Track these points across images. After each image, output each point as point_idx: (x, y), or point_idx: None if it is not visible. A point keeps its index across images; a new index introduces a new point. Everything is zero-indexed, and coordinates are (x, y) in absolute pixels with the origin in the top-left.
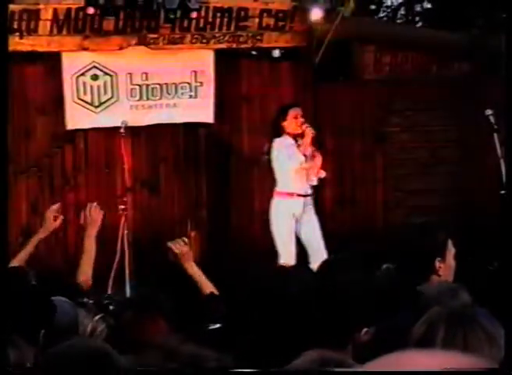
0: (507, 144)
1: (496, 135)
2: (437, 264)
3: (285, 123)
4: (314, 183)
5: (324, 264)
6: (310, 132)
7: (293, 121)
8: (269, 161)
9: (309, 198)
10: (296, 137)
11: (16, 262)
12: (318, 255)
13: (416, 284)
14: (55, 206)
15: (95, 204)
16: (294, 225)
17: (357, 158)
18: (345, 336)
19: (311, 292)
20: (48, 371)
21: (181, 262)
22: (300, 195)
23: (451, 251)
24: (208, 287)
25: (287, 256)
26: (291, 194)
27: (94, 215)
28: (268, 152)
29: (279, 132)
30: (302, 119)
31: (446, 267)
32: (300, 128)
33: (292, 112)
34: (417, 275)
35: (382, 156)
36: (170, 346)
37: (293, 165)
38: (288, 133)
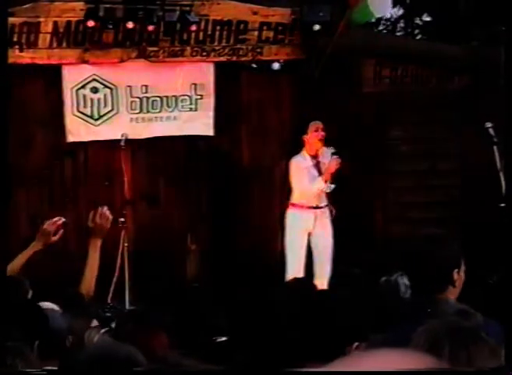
0: (507, 157)
1: (495, 148)
2: (455, 275)
3: (306, 137)
4: (328, 190)
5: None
6: (335, 163)
7: (314, 135)
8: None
9: (322, 210)
10: (315, 155)
11: (9, 272)
12: (322, 269)
13: (433, 295)
14: (56, 220)
15: (105, 208)
16: (305, 238)
17: (357, 170)
18: (336, 350)
19: (307, 305)
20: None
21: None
22: (310, 208)
23: (463, 264)
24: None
25: (294, 268)
26: (301, 206)
27: (103, 221)
28: (286, 168)
29: (298, 146)
30: (323, 133)
31: (460, 279)
32: (320, 143)
33: (313, 126)
34: (435, 286)
35: (382, 168)
36: (173, 360)
37: (313, 188)
38: (306, 150)
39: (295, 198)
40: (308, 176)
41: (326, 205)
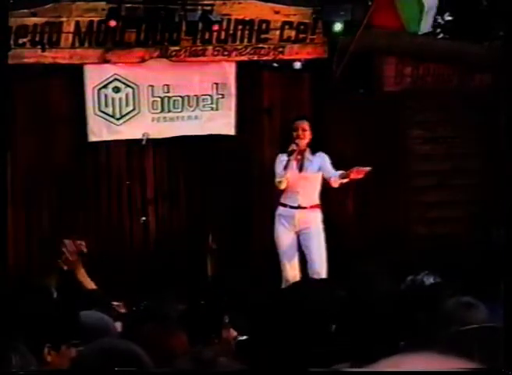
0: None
1: None
2: None
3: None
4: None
5: (351, 277)
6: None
7: (293, 133)
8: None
9: (308, 210)
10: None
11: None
12: (314, 268)
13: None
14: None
15: (67, 242)
16: (290, 237)
17: (379, 169)
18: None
19: (337, 305)
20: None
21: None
22: (292, 207)
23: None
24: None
25: (288, 268)
26: (284, 205)
27: (72, 257)
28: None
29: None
30: (298, 133)
31: None
32: (298, 141)
33: (293, 124)
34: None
35: (404, 168)
36: (208, 357)
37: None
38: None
39: (282, 196)
40: (280, 169)
41: (314, 206)
